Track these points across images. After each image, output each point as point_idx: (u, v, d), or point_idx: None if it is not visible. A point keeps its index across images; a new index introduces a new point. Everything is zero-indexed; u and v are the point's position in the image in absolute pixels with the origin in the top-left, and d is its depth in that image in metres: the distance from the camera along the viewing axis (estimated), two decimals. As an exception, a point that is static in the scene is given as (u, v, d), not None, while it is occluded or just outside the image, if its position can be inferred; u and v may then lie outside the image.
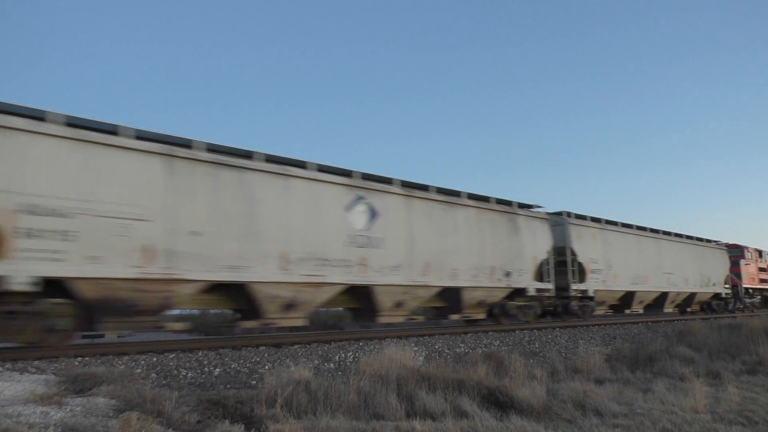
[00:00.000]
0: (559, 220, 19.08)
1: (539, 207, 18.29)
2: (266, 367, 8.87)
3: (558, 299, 18.52)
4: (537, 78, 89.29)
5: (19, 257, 8.53)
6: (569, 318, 18.68)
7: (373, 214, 13.24)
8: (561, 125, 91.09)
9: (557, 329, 16.65)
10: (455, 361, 9.42)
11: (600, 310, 20.82)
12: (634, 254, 22.07)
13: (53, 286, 8.84)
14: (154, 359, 8.99)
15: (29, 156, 8.82)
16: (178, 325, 13.22)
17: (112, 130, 9.75)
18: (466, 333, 14.26)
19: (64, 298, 9.05)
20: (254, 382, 7.93)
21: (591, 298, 19.54)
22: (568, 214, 19.54)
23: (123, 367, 8.16)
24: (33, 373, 7.11)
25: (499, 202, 16.85)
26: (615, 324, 19.35)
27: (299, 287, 11.71)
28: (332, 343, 11.60)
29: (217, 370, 8.85)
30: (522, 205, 17.68)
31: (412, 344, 11.28)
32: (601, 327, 18.25)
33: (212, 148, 10.99)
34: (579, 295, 18.94)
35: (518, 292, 16.79)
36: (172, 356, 9.33)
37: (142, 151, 9.94)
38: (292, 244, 11.68)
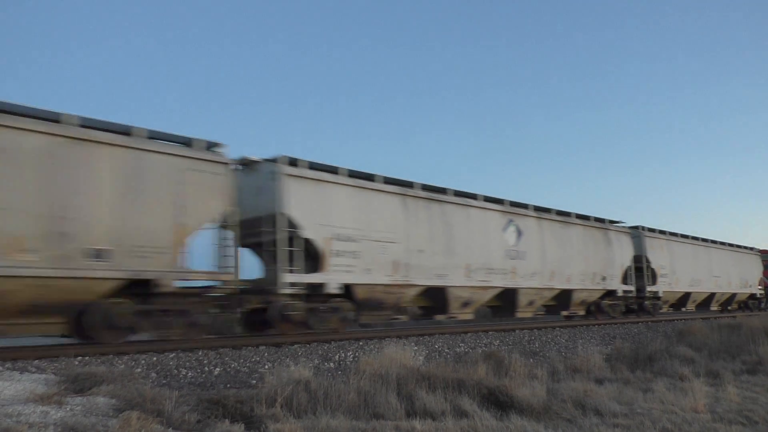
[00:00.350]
0: (636, 233, 22.97)
1: (623, 222, 22.19)
2: (266, 367, 8.87)
3: (636, 299, 22.12)
4: (534, 76, 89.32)
5: (331, 270, 12.60)
6: (643, 314, 22.18)
7: (519, 233, 17.54)
8: (561, 123, 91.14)
9: (557, 329, 16.66)
10: (455, 360, 9.42)
11: (663, 308, 24.57)
12: (690, 261, 26.23)
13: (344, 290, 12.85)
14: (154, 359, 8.99)
15: (333, 200, 12.93)
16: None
17: (368, 177, 13.99)
18: (465, 333, 14.27)
19: (344, 299, 12.94)
20: (254, 381, 7.93)
21: (659, 298, 23.33)
22: (643, 228, 23.45)
23: (123, 366, 8.17)
24: (33, 373, 7.12)
25: (597, 219, 21.12)
26: (615, 324, 19.38)
27: (475, 290, 15.98)
28: (332, 342, 11.60)
29: (217, 369, 8.86)
30: (611, 221, 21.56)
31: (412, 344, 11.29)
32: (601, 327, 18.27)
33: (425, 187, 15.35)
34: (651, 295, 22.62)
35: (609, 293, 20.49)
36: (172, 356, 9.33)
37: (390, 193, 14.26)
38: (472, 257, 15.89)
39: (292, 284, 11.93)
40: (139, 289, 9.92)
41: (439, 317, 15.44)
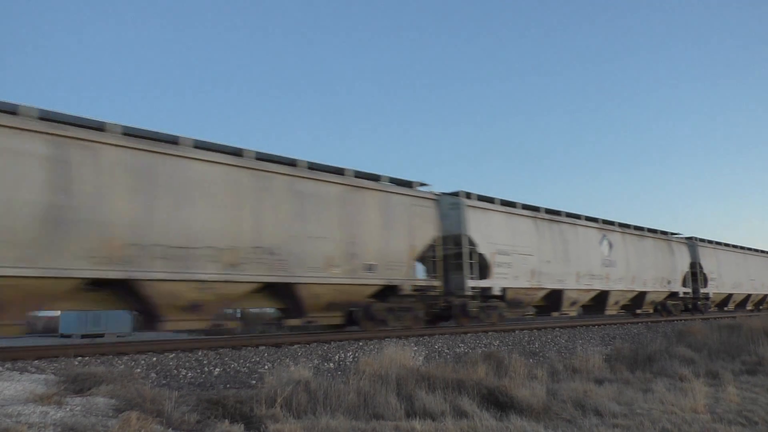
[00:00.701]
0: (691, 243, 26.96)
1: (680, 234, 26.08)
2: (266, 367, 8.87)
3: (692, 299, 25.96)
4: (529, 73, 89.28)
5: (495, 277, 16.57)
6: (696, 313, 25.60)
7: (610, 245, 21.82)
8: (562, 121, 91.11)
9: (557, 329, 16.67)
10: (455, 361, 9.42)
11: (711, 307, 28.26)
12: (733, 266, 30.33)
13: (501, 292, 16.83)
14: (154, 359, 8.99)
15: (493, 223, 16.99)
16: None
17: (511, 204, 18.15)
18: (465, 333, 14.26)
19: (499, 299, 16.77)
20: (254, 381, 7.93)
21: (708, 298, 27.39)
22: (696, 239, 27.51)
23: (123, 366, 8.16)
24: (33, 373, 7.11)
25: (662, 232, 25.78)
26: (614, 324, 19.42)
27: (581, 292, 19.98)
28: (332, 342, 11.59)
29: (217, 369, 8.85)
30: (672, 234, 25.80)
31: (412, 344, 11.27)
32: (601, 327, 18.28)
33: (548, 210, 19.44)
34: (703, 296, 26.52)
35: (672, 295, 24.35)
36: (171, 356, 9.33)
37: (526, 217, 18.37)
38: (580, 265, 19.99)
39: (473, 288, 15.90)
40: (387, 291, 14.05)
41: (554, 314, 19.57)
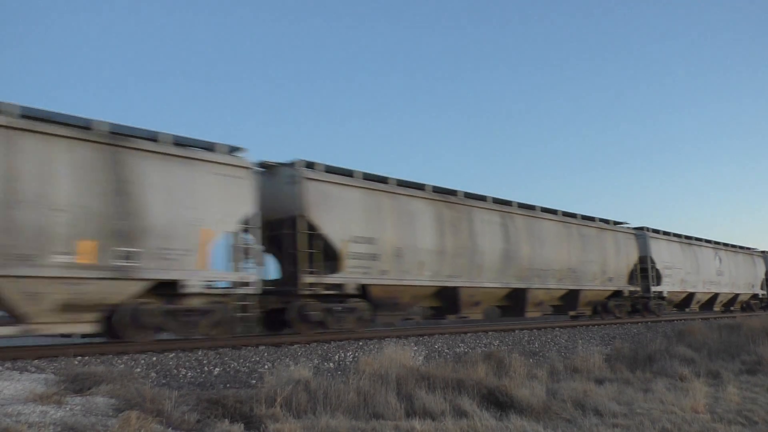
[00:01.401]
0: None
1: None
2: (266, 367, 8.87)
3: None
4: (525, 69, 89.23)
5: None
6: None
7: (720, 260, 29.22)
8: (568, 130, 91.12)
9: (557, 329, 16.66)
10: (455, 360, 9.42)
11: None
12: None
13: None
14: (154, 358, 8.99)
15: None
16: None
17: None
18: (465, 333, 14.26)
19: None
20: (254, 381, 7.94)
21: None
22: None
23: (122, 366, 8.16)
24: (33, 373, 7.12)
25: (742, 247, 32.33)
26: (614, 324, 19.42)
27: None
28: (332, 342, 11.59)
29: (217, 369, 8.86)
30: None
31: (412, 344, 11.28)
32: (601, 327, 18.28)
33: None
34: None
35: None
36: (171, 355, 9.33)
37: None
38: (698, 275, 27.09)
39: (654, 291, 21.51)
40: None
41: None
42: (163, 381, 7.87)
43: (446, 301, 15.55)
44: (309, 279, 12.08)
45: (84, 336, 10.05)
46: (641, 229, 24.50)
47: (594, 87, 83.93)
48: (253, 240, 11.56)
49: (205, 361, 9.18)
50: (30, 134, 8.95)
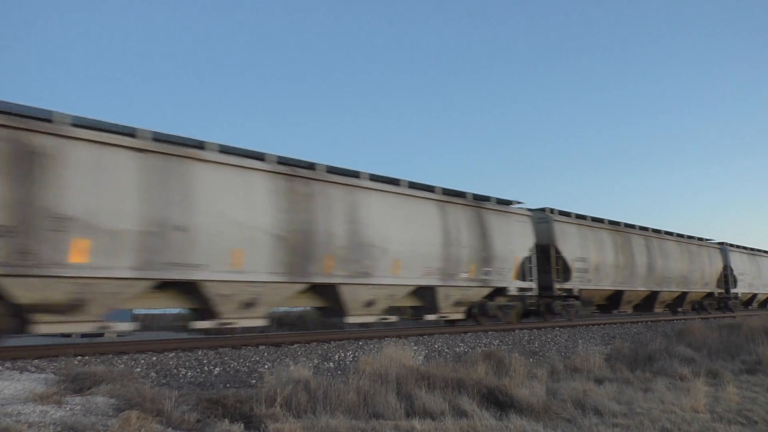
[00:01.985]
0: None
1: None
2: (266, 367, 8.87)
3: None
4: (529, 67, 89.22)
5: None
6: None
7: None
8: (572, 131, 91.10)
9: (557, 329, 16.67)
10: (455, 360, 9.42)
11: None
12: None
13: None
14: (154, 358, 8.99)
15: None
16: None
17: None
18: (465, 332, 14.27)
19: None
20: (254, 381, 7.93)
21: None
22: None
23: (122, 366, 8.16)
24: (33, 372, 7.11)
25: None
26: (614, 323, 19.43)
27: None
28: (332, 342, 11.59)
29: (217, 369, 8.85)
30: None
31: (412, 343, 11.28)
32: (601, 326, 18.28)
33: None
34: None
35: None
36: (171, 355, 9.33)
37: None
38: (760, 280, 31.63)
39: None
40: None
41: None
42: (163, 381, 7.86)
43: (614, 300, 22.07)
44: (559, 285, 18.36)
45: (86, 336, 10.09)
46: (722, 243, 29.99)
47: (605, 85, 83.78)
48: (534, 261, 17.98)
49: (205, 361, 9.18)
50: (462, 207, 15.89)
